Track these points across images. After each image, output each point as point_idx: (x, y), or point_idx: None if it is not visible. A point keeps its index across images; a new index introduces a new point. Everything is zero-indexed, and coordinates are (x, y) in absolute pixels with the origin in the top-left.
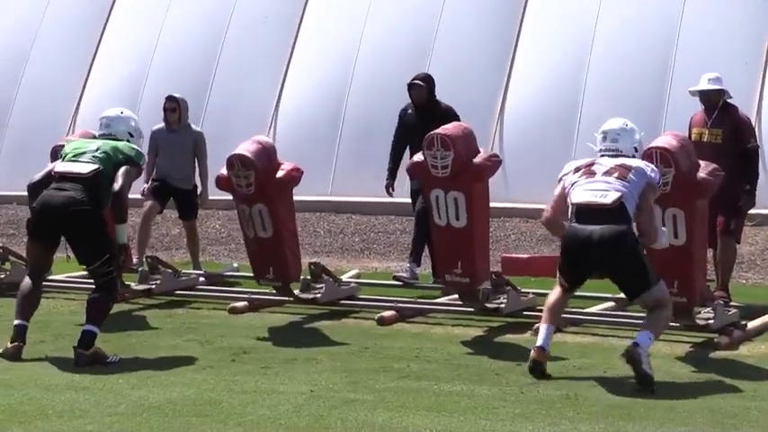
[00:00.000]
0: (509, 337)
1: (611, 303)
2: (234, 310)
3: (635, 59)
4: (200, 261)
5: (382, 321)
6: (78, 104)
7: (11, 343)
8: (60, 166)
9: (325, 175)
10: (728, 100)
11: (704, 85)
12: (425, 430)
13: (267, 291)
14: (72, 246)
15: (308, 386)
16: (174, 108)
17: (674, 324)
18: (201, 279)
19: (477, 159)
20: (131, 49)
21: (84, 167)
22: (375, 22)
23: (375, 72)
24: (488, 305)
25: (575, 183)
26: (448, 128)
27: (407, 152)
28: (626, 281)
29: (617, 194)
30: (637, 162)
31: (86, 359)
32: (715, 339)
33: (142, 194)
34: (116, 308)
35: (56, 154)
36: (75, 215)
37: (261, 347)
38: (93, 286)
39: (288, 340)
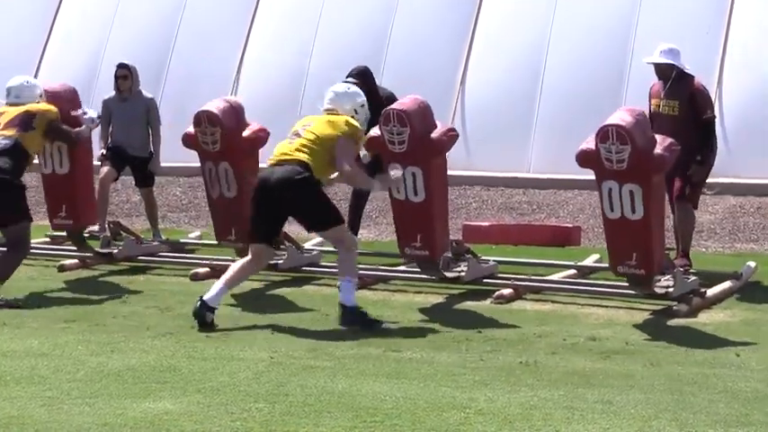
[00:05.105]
0: (469, 305)
1: (572, 271)
2: (195, 277)
3: (597, 29)
4: (160, 228)
5: None
6: (36, 74)
7: None
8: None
9: None
10: (686, 70)
11: (656, 57)
12: (385, 397)
13: (230, 257)
14: None
15: (268, 353)
16: (126, 75)
17: (633, 292)
18: (164, 246)
19: (434, 134)
20: (91, 16)
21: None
22: None
23: (336, 39)
24: (448, 274)
25: None
26: (404, 102)
27: None
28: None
29: None
30: None
31: None
32: (674, 307)
33: (99, 160)
34: (76, 274)
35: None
36: None
37: (221, 314)
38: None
39: (249, 307)
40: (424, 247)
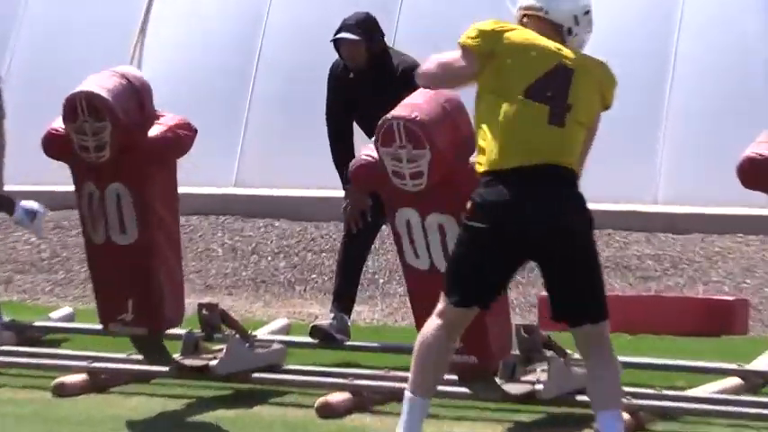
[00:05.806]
0: None
1: (735, 380)
2: (62, 390)
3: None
4: (1, 302)
5: (326, 410)
6: None
7: None
8: None
9: (228, 154)
10: None
11: None
12: None
13: (121, 355)
14: None
15: None
16: None
17: None
18: (7, 333)
19: None
20: None
21: None
22: None
23: None
24: (513, 390)
25: None
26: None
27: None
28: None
29: None
30: None
31: None
32: None
33: None
34: None
35: None
36: None
37: None
38: None
39: None
40: (467, 351)
